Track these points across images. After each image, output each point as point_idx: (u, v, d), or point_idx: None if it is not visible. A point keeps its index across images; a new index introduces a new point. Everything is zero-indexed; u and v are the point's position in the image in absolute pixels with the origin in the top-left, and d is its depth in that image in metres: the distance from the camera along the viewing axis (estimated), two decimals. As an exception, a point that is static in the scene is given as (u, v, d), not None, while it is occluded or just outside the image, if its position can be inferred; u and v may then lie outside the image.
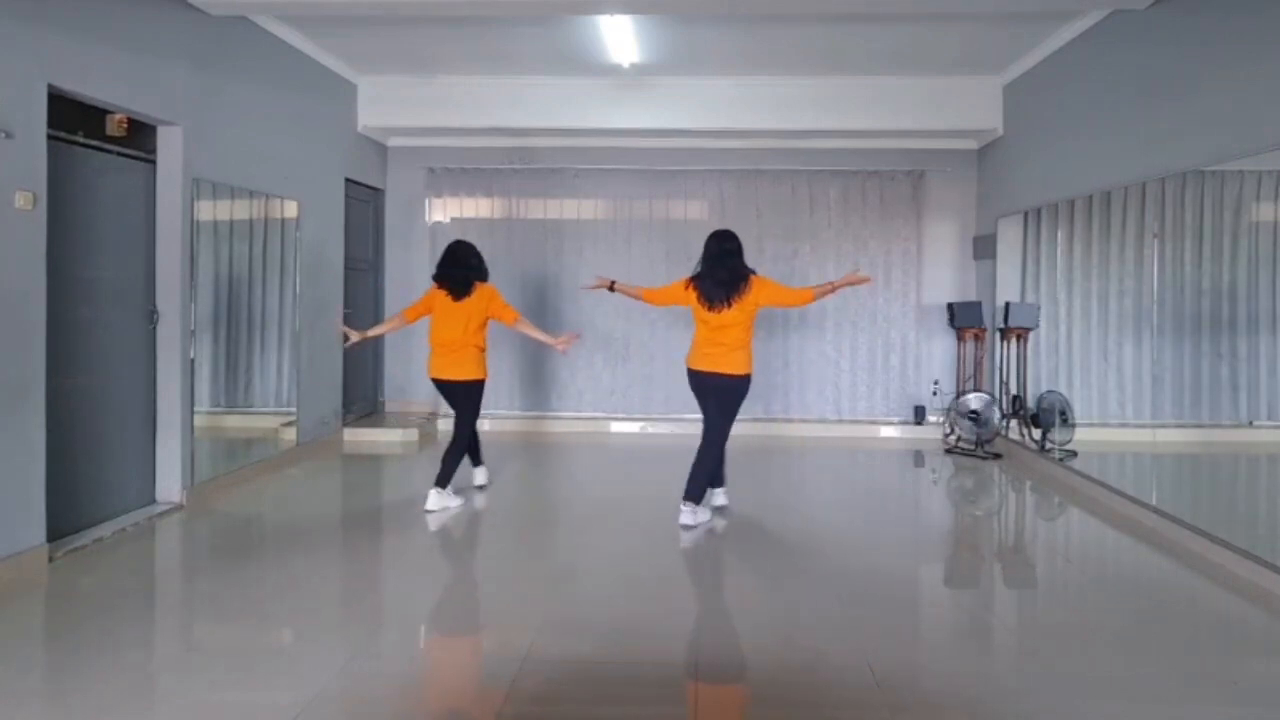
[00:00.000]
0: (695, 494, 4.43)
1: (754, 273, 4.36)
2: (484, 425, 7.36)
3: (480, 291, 4.67)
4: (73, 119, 4.01)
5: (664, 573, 3.80)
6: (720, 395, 4.40)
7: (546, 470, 6.00)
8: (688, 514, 4.40)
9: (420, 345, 7.62)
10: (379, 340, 7.56)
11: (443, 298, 4.67)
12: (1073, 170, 5.53)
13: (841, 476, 5.55)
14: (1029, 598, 3.70)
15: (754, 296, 4.28)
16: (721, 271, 4.29)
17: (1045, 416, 5.85)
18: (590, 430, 7.23)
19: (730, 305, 4.26)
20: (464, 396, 4.75)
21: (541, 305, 7.45)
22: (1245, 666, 2.87)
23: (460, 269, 4.66)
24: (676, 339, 7.38)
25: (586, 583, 3.66)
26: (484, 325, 4.72)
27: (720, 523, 4.55)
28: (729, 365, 4.31)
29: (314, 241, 6.14)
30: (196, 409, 4.78)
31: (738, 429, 7.40)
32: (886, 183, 7.29)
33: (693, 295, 4.36)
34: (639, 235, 7.43)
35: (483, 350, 4.74)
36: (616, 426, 7.32)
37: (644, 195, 7.43)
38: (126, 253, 4.42)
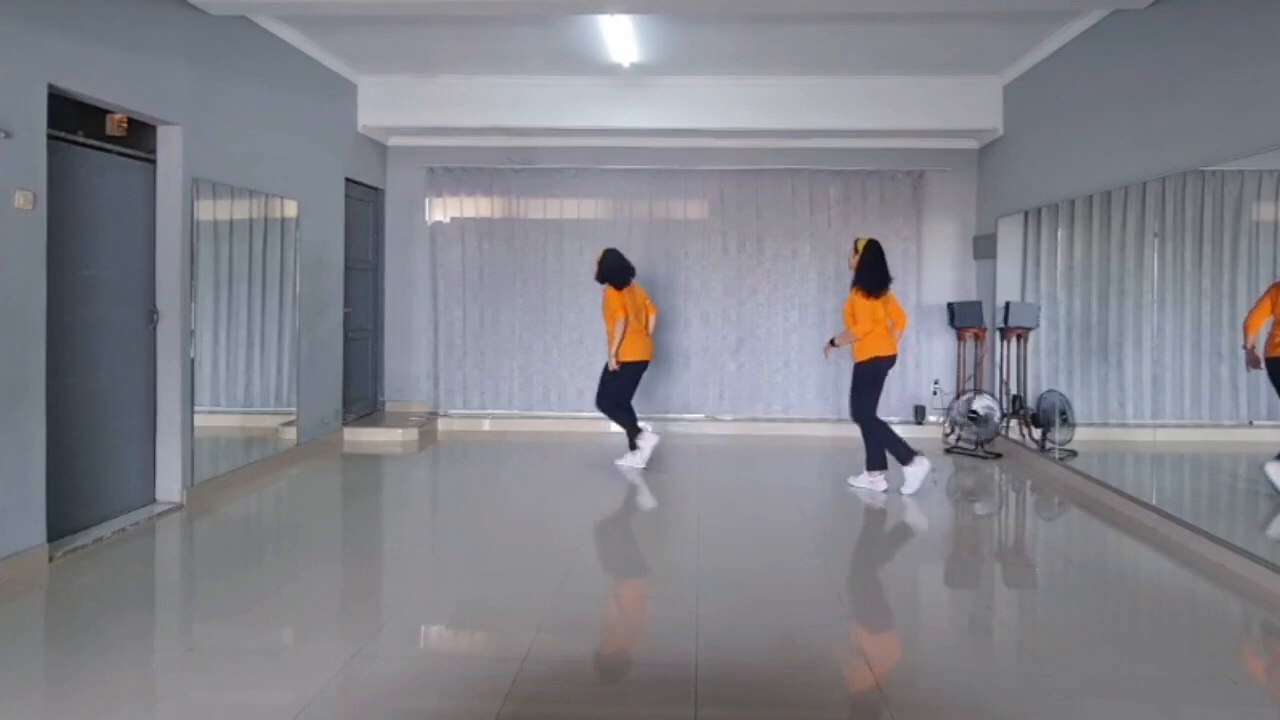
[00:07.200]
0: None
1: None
2: (484, 425, 7.39)
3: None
4: (73, 119, 4.01)
5: (663, 573, 3.80)
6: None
7: (547, 470, 6.00)
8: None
9: (419, 345, 7.65)
10: (378, 340, 7.57)
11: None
12: (1073, 170, 5.53)
13: (841, 476, 5.54)
14: (1029, 598, 3.70)
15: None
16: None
17: (1045, 416, 5.84)
18: (591, 430, 7.22)
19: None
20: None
21: (543, 304, 7.45)
22: (1244, 666, 2.87)
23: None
24: (676, 338, 7.39)
25: (586, 582, 3.66)
26: (611, 316, 5.75)
27: (718, 521, 4.55)
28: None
29: (314, 241, 6.13)
30: (196, 409, 4.78)
31: (737, 428, 7.49)
32: (886, 183, 7.29)
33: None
34: (639, 235, 7.41)
35: (612, 337, 5.77)
36: (616, 426, 7.30)
37: (644, 195, 7.43)
38: (126, 253, 4.42)
